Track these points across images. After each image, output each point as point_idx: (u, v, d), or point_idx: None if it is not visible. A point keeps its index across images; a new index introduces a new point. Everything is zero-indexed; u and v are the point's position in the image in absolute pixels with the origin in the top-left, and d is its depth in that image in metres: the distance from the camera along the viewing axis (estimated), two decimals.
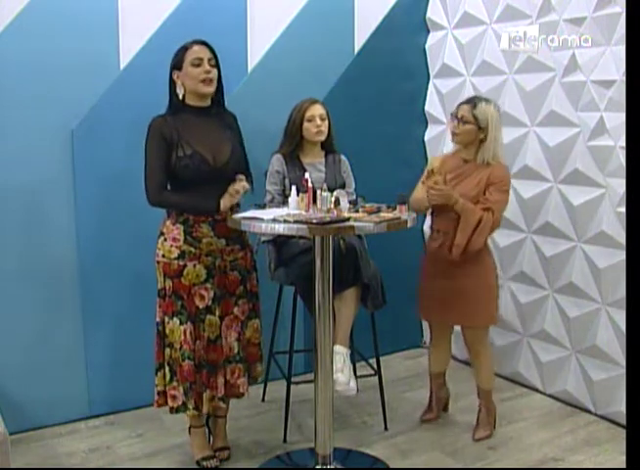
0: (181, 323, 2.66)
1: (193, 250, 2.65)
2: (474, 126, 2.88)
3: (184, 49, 2.63)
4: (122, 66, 3.16)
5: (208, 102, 2.69)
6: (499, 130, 2.91)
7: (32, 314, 3.09)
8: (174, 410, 2.72)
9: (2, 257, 3.00)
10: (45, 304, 3.11)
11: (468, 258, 2.89)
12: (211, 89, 2.64)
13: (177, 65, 2.64)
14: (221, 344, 2.73)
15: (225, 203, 2.63)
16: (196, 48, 2.62)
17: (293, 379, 3.08)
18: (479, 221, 2.81)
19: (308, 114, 3.07)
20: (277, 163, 3.11)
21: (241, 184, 2.64)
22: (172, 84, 2.66)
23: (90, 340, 3.23)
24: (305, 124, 3.08)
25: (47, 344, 3.13)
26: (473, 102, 2.93)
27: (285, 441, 3.06)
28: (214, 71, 2.64)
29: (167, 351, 2.69)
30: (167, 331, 2.68)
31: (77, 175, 3.10)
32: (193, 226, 2.65)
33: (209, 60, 2.62)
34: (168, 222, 2.67)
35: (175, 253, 2.65)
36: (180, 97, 2.65)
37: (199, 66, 2.60)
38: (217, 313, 2.71)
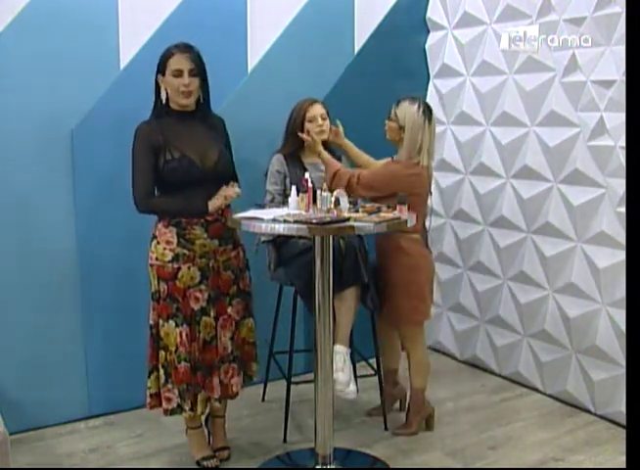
0: (177, 326, 2.65)
1: (186, 252, 2.65)
2: (395, 124, 2.95)
3: (168, 55, 2.60)
4: (122, 66, 3.16)
5: (193, 106, 2.68)
6: (418, 132, 2.91)
7: (32, 315, 3.09)
8: (169, 412, 2.71)
9: (1, 257, 3.00)
10: (44, 304, 3.11)
11: (389, 254, 2.99)
12: (188, 101, 2.63)
13: (161, 69, 2.62)
14: (216, 344, 2.73)
15: (215, 204, 2.63)
16: (177, 57, 2.59)
17: (293, 379, 3.08)
18: (334, 174, 2.90)
19: (309, 114, 3.08)
20: (277, 162, 3.11)
21: (234, 190, 2.66)
22: (157, 87, 2.66)
23: (90, 340, 3.23)
24: (307, 125, 3.08)
25: (47, 344, 3.13)
26: (398, 100, 2.99)
27: (285, 441, 3.06)
28: (194, 83, 2.61)
29: (162, 353, 2.68)
30: (162, 334, 2.67)
31: (77, 175, 3.10)
32: (186, 228, 2.65)
33: (190, 70, 2.59)
34: (160, 225, 2.66)
35: (169, 256, 2.64)
36: (164, 101, 2.64)
37: (178, 77, 2.59)
38: (212, 314, 2.71)
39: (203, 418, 2.88)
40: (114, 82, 3.13)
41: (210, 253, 2.70)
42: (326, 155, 3.01)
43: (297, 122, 3.09)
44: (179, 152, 2.61)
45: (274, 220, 2.45)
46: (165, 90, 2.63)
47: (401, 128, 2.94)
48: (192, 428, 2.86)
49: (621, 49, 2.93)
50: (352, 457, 2.93)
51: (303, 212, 2.56)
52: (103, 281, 3.21)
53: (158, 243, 2.66)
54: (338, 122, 3.16)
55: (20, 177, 2.99)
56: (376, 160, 3.19)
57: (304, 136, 3.05)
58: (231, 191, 2.66)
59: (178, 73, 2.58)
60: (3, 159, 2.95)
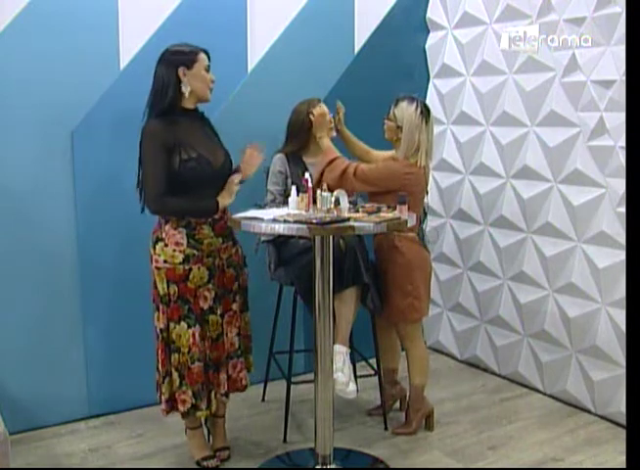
0: (189, 327, 2.65)
1: (196, 252, 2.64)
2: (393, 124, 2.97)
3: (194, 51, 2.62)
4: (122, 66, 3.16)
5: (195, 106, 2.70)
6: (415, 132, 2.92)
7: (32, 315, 3.09)
8: (185, 414, 2.71)
9: (1, 258, 3.00)
10: (44, 304, 3.11)
11: (385, 254, 3.01)
12: (210, 97, 2.69)
13: (187, 63, 2.60)
14: (223, 341, 2.74)
15: (224, 201, 2.65)
16: (204, 55, 2.65)
17: (293, 379, 3.08)
18: (331, 161, 2.91)
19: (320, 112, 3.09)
20: (279, 162, 3.12)
21: (236, 179, 2.69)
22: (172, 82, 2.59)
23: (90, 340, 3.23)
24: None
25: (46, 344, 3.13)
26: (396, 100, 3.00)
27: (285, 441, 3.06)
28: None
29: (175, 356, 2.67)
30: (174, 336, 2.66)
31: (77, 176, 3.10)
32: (195, 228, 2.65)
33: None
34: (167, 227, 2.64)
35: (179, 257, 2.63)
36: (187, 95, 2.61)
37: (208, 72, 2.65)
38: (219, 312, 2.72)
39: (202, 418, 2.88)
40: (114, 82, 3.13)
41: (216, 251, 2.70)
42: (328, 142, 3.01)
43: (306, 122, 3.08)
44: (195, 151, 2.60)
45: (274, 220, 2.45)
46: (189, 85, 2.61)
47: (399, 128, 2.95)
48: (191, 428, 2.85)
49: (621, 49, 2.93)
50: (352, 457, 2.93)
51: (303, 212, 2.56)
52: (103, 281, 3.21)
53: (165, 245, 2.63)
54: (339, 104, 3.19)
55: (20, 178, 2.99)
56: (375, 151, 3.21)
57: (316, 113, 3.04)
58: (234, 186, 2.68)
59: (208, 68, 2.65)
60: (3, 158, 2.95)
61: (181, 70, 2.60)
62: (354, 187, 2.90)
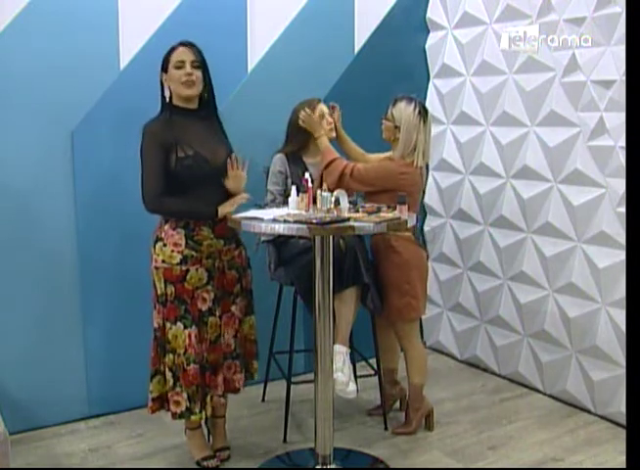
0: (185, 327, 2.64)
1: (194, 254, 2.64)
2: (391, 124, 2.98)
3: (170, 50, 2.63)
4: (122, 66, 3.16)
5: (196, 104, 2.68)
6: (413, 132, 2.93)
7: (32, 315, 3.09)
8: (177, 416, 2.70)
9: (1, 257, 3.00)
10: (44, 304, 3.11)
11: (381, 253, 3.01)
12: (192, 92, 2.62)
13: (163, 67, 2.64)
14: (220, 343, 2.74)
15: (224, 210, 2.63)
16: (179, 50, 2.61)
17: (293, 379, 3.08)
18: (329, 163, 2.93)
19: (319, 112, 3.09)
20: (279, 162, 3.11)
21: (243, 196, 2.67)
22: (162, 86, 2.66)
23: (90, 340, 3.23)
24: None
25: (47, 343, 3.13)
26: (395, 100, 3.01)
27: (285, 441, 3.06)
28: (197, 73, 2.61)
29: (170, 356, 2.67)
30: (170, 337, 2.65)
31: (77, 176, 3.10)
32: (194, 230, 2.64)
33: (192, 62, 2.60)
34: (167, 227, 2.64)
35: (177, 258, 2.63)
36: (167, 99, 2.64)
37: (180, 68, 2.59)
38: (218, 314, 2.72)
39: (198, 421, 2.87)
40: (113, 83, 3.13)
41: (216, 253, 2.70)
42: (326, 142, 3.02)
43: None
44: (192, 149, 2.60)
45: (274, 220, 2.45)
46: (169, 88, 2.63)
47: (397, 128, 2.95)
48: (191, 428, 2.85)
49: (621, 49, 2.93)
50: (352, 457, 2.93)
51: (303, 212, 2.56)
52: (103, 281, 3.21)
53: (164, 245, 2.64)
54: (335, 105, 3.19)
55: (20, 178, 2.99)
56: (370, 154, 3.21)
57: (307, 113, 3.03)
58: (240, 199, 2.67)
59: (181, 65, 2.59)
60: (3, 158, 2.95)
61: (162, 76, 2.64)
62: (351, 187, 2.91)
